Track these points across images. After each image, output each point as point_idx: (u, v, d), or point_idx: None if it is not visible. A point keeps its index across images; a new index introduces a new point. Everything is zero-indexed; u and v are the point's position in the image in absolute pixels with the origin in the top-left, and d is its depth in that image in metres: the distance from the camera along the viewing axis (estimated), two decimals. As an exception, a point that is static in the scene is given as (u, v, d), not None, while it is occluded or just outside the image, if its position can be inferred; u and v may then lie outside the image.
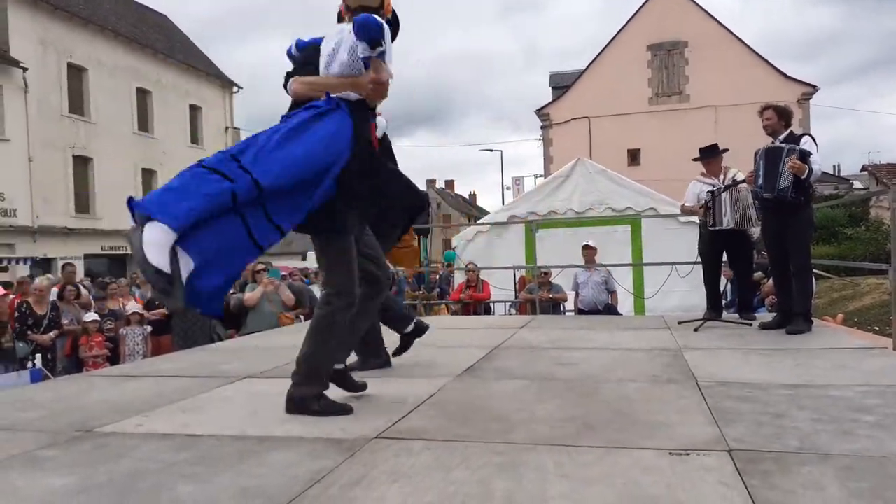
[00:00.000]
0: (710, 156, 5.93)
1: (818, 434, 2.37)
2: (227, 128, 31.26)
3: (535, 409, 2.85)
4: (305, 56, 3.21)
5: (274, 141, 2.63)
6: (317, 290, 10.20)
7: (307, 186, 2.64)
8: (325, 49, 2.93)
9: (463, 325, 6.58)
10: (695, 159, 6.10)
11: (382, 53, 2.76)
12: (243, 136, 32.32)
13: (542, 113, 28.09)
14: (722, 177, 5.74)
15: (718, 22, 26.64)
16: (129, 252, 23.83)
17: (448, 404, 3.01)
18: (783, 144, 4.97)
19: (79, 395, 3.55)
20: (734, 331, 5.22)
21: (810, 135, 5.18)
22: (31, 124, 20.46)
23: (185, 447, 2.45)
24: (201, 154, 28.76)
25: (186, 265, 2.42)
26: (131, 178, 24.79)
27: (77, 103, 22.63)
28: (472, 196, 72.19)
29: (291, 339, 5.73)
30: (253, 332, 7.69)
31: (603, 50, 27.67)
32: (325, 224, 2.83)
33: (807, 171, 4.76)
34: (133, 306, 8.63)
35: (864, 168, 38.73)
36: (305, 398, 2.83)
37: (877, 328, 8.48)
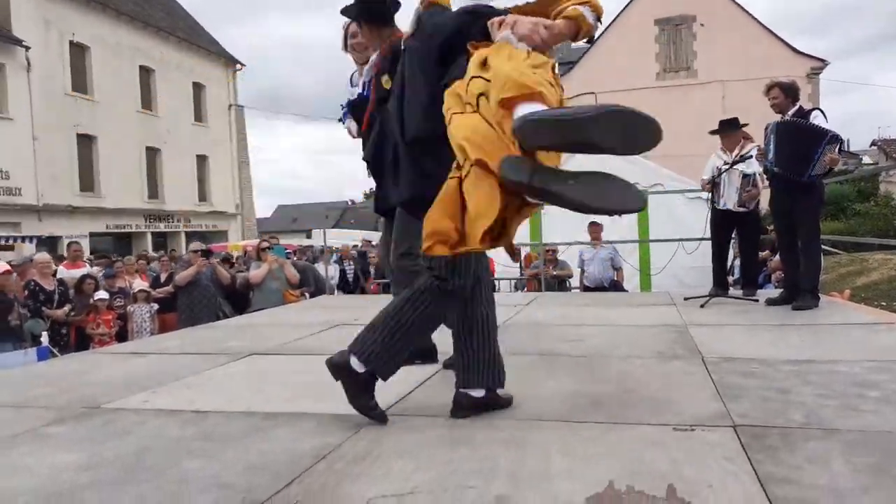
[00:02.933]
0: (726, 130, 5.84)
1: (823, 409, 2.36)
2: (230, 105, 31.15)
3: (541, 386, 2.85)
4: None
5: None
6: (321, 269, 10.21)
7: None
8: None
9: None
10: (712, 132, 6.03)
11: None
12: (247, 113, 32.34)
13: (547, 89, 27.83)
14: (736, 152, 5.66)
15: (726, -5, 26.25)
16: (133, 230, 23.90)
17: (451, 382, 3.00)
18: (801, 121, 4.90)
19: (85, 372, 3.56)
20: (740, 307, 5.21)
21: (820, 109, 5.12)
22: (35, 103, 20.44)
23: (191, 423, 2.47)
24: (205, 132, 28.91)
25: None
26: (135, 157, 24.82)
27: (80, 82, 22.57)
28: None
29: (296, 316, 5.77)
30: (259, 310, 7.75)
31: (610, 24, 27.27)
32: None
33: (840, 162, 4.72)
34: (139, 284, 8.68)
35: (873, 143, 38.39)
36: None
37: (884, 304, 8.46)
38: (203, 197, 29.10)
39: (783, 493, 1.67)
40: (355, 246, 15.23)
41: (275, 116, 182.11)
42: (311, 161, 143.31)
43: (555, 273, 8.16)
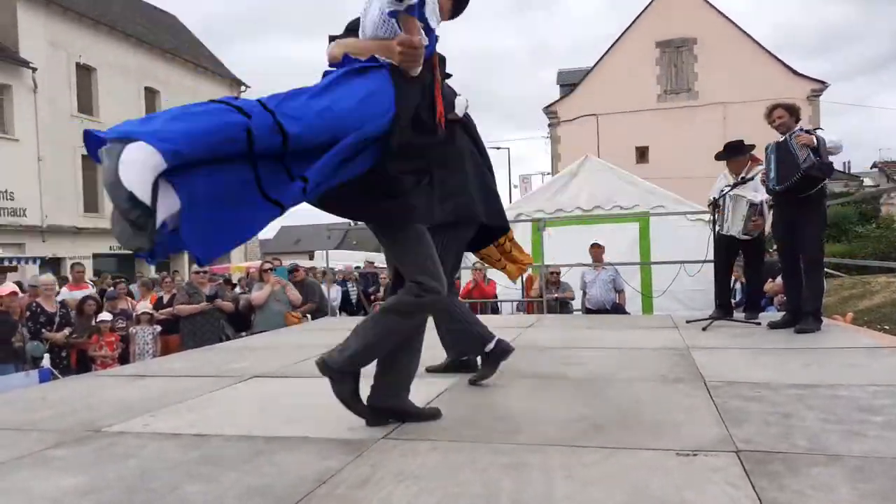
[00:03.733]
0: (731, 155, 5.84)
1: (827, 434, 2.36)
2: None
3: (542, 410, 2.85)
4: (351, 23, 2.68)
5: (304, 96, 2.15)
6: (324, 289, 10.20)
7: (341, 148, 2.14)
8: (362, 10, 2.47)
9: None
10: (717, 157, 6.02)
11: (412, 8, 2.23)
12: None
13: (549, 110, 28.03)
14: (744, 173, 5.67)
15: (727, 18, 26.49)
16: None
17: (455, 404, 3.01)
18: (789, 134, 4.96)
19: (87, 395, 3.57)
20: (742, 330, 5.20)
21: (820, 128, 5.20)
22: (41, 124, 20.62)
23: (192, 447, 2.47)
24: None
25: (169, 202, 1.85)
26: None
27: (86, 103, 22.78)
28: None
29: (298, 337, 5.77)
30: (261, 332, 7.75)
31: (611, 47, 27.57)
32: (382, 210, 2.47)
33: (815, 140, 4.75)
34: (143, 306, 8.68)
35: (874, 165, 38.49)
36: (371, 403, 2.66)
37: (887, 327, 8.43)
38: (207, 217, 29.14)
39: (786, 520, 1.66)
40: (357, 267, 15.25)
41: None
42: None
43: (556, 295, 8.16)
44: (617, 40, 27.54)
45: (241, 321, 8.94)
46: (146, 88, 25.49)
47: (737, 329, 5.26)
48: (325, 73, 2.36)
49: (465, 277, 9.03)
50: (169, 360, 4.90)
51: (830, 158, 4.90)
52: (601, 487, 1.90)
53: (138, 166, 1.75)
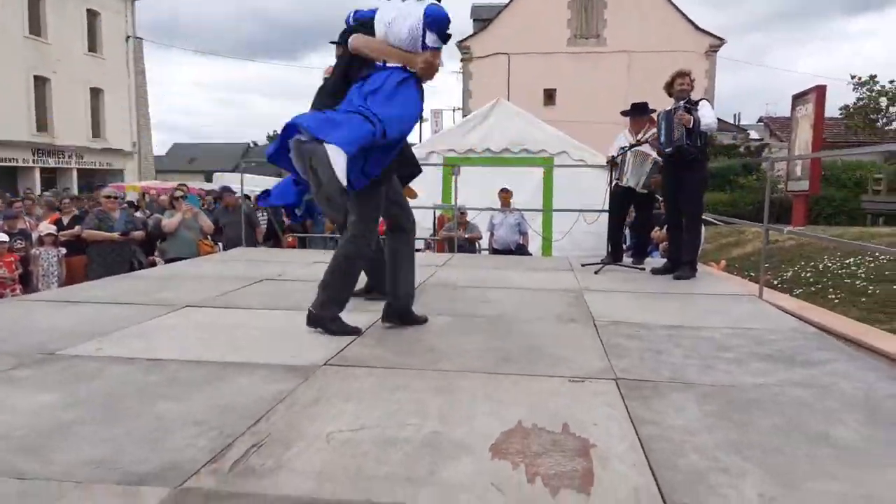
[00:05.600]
0: (636, 114, 6.42)
1: (687, 368, 2.94)
2: (128, 37, 29.42)
3: (461, 343, 3.30)
4: (362, 24, 3.53)
5: (378, 100, 3.15)
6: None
7: (396, 144, 3.27)
8: (381, 17, 3.34)
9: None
10: (623, 113, 6.58)
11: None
12: (145, 46, 30.64)
13: (462, 45, 28.01)
14: (641, 135, 6.25)
15: (639, -33, 27.13)
16: (20, 164, 22.35)
17: (383, 337, 3.41)
18: (676, 106, 5.54)
19: (22, 319, 3.71)
20: (629, 275, 5.86)
21: (707, 99, 5.80)
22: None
23: (151, 371, 2.75)
24: (100, 64, 27.24)
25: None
26: (21, 85, 23.20)
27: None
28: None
29: (220, 268, 5.95)
30: (173, 258, 7.81)
31: (526, -14, 27.68)
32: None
33: (692, 120, 5.36)
34: (46, 227, 8.47)
35: (760, 119, 41.12)
36: (324, 318, 3.37)
37: (752, 274, 9.49)
38: (97, 133, 27.59)
39: (648, 431, 2.19)
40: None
41: (170, 47, 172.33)
42: (211, 99, 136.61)
43: (466, 235, 8.64)
44: (532, -21, 27.64)
45: (149, 245, 8.90)
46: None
47: (624, 273, 5.92)
48: (363, 78, 3.34)
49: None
50: (94, 287, 4.99)
51: (712, 123, 5.52)
52: (513, 406, 2.37)
53: (342, 165, 2.89)
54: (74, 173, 26.24)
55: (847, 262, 8.87)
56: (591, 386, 2.65)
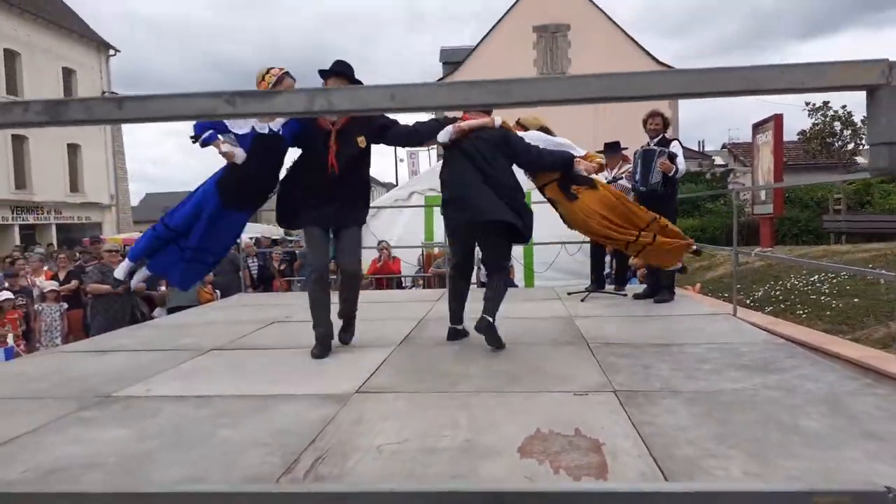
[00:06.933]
0: (607, 152, 6.91)
1: (673, 378, 3.35)
2: (103, 92, 29.76)
3: (470, 367, 3.68)
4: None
5: None
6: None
7: None
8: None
9: (384, 300, 7.29)
10: (598, 152, 7.06)
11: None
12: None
13: (433, 88, 28.80)
14: (616, 170, 6.74)
15: (597, 6, 28.32)
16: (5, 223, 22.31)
17: (401, 367, 3.78)
18: (656, 147, 6.04)
19: (65, 369, 4.00)
20: (612, 300, 6.30)
21: (678, 139, 6.33)
22: None
23: (202, 406, 3.08)
24: (80, 120, 27.55)
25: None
26: (0, 145, 23.35)
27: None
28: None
29: (225, 314, 6.26)
30: (176, 307, 8.07)
31: (492, 29, 28.70)
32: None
33: (674, 169, 5.87)
34: (48, 283, 8.70)
35: (724, 146, 42.53)
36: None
37: (726, 295, 10.00)
38: (75, 187, 27.75)
39: (648, 430, 2.58)
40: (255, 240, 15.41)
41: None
42: (180, 147, 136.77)
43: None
44: (497, 22, 28.69)
45: (149, 298, 9.15)
46: (5, 50, 23.72)
47: (608, 300, 6.35)
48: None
49: (372, 255, 9.70)
50: (117, 337, 5.27)
51: (684, 168, 6.04)
52: (527, 416, 2.76)
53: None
54: (53, 228, 26.28)
55: (812, 279, 9.43)
56: (594, 397, 3.04)
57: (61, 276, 9.45)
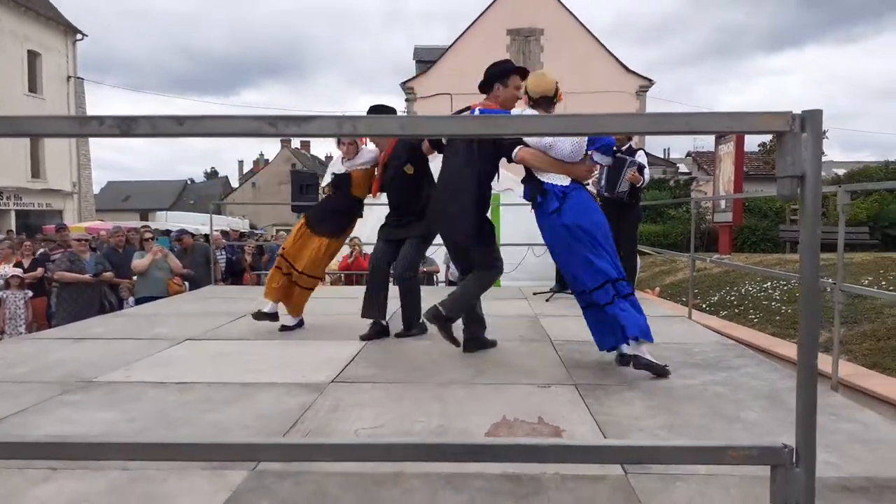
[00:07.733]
0: None
1: (631, 374, 3.58)
2: (69, 77, 29.22)
3: (441, 361, 3.87)
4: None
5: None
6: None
7: None
8: (541, 141, 3.87)
9: (356, 295, 7.43)
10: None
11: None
12: (87, 87, 30.40)
13: (406, 87, 28.97)
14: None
15: (570, 13, 28.76)
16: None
17: (374, 359, 3.95)
18: (625, 157, 6.31)
19: (43, 355, 4.08)
20: (575, 301, 6.52)
21: (644, 149, 6.62)
22: None
23: (185, 391, 3.22)
24: (40, 105, 26.95)
25: None
26: (-39, 127, 22.80)
27: None
28: (329, 158, 71.70)
29: (197, 306, 6.35)
30: (145, 298, 8.10)
31: (466, 31, 28.94)
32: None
33: (641, 181, 6.15)
34: (12, 270, 8.64)
35: (688, 153, 43.52)
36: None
37: (684, 299, 10.38)
38: (36, 174, 27.18)
39: (604, 419, 2.80)
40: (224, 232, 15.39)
41: (102, 85, 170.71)
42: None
43: (424, 269, 9.22)
44: (472, 24, 28.94)
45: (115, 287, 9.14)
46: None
47: (571, 300, 6.55)
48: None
49: (345, 251, 9.82)
50: (89, 326, 5.33)
51: (649, 178, 6.33)
52: (495, 405, 2.96)
53: None
54: (13, 214, 25.73)
55: (765, 286, 9.84)
56: (556, 390, 3.26)
57: (26, 263, 9.38)
